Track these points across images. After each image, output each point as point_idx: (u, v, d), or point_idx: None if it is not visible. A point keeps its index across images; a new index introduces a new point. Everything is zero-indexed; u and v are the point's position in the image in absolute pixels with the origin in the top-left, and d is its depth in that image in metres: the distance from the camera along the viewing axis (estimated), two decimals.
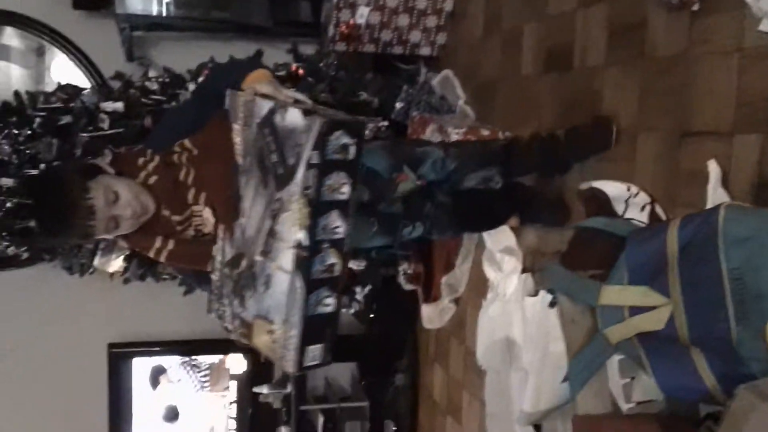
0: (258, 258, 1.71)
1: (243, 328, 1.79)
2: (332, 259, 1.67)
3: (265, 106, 1.68)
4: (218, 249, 1.87)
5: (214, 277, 1.89)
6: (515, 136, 2.82)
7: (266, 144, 1.66)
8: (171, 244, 2.03)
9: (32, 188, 2.10)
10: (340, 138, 1.58)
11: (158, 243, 2.03)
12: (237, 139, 1.77)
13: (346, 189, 1.64)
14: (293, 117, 1.60)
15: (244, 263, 1.77)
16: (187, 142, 1.98)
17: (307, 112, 1.59)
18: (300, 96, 1.85)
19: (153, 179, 2.00)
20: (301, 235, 1.60)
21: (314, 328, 1.67)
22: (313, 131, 1.55)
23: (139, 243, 2.09)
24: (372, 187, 2.17)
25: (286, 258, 1.64)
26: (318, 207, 1.60)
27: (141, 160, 2.02)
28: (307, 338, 1.65)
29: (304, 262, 1.62)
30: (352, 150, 1.61)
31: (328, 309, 1.69)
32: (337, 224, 1.67)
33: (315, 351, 1.69)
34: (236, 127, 1.77)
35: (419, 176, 2.27)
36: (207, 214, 1.97)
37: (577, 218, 2.35)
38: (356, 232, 1.99)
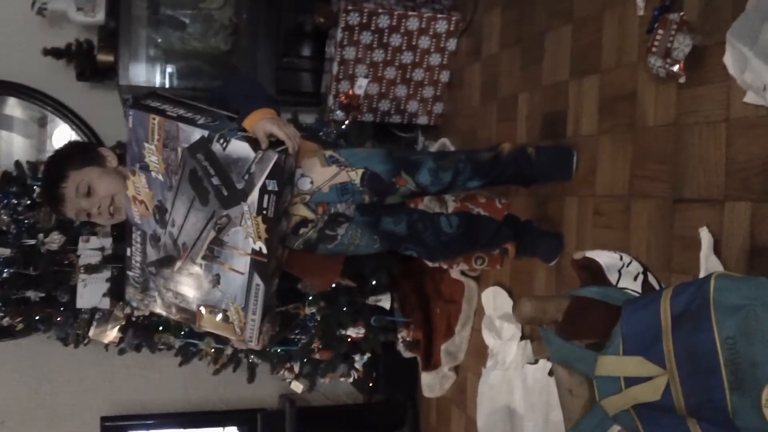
0: (200, 261, 1.97)
1: (183, 314, 2.09)
2: (278, 252, 1.99)
3: (195, 133, 1.81)
4: (137, 251, 2.05)
5: (133, 273, 2.09)
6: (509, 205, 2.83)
7: (202, 168, 1.84)
8: None
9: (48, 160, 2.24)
10: (287, 161, 1.83)
11: None
12: (153, 158, 1.88)
13: (287, 198, 1.95)
14: (240, 148, 1.79)
15: (178, 264, 2.00)
16: None
17: (254, 145, 1.79)
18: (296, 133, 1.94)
19: None
20: (259, 245, 1.89)
21: (269, 308, 2.05)
22: (270, 163, 1.78)
23: None
24: (374, 191, 2.22)
25: (239, 262, 1.93)
26: (274, 222, 1.86)
27: None
28: (264, 318, 2.02)
29: (263, 265, 1.91)
30: (294, 168, 1.92)
31: (273, 289, 2.04)
32: (283, 226, 2.00)
33: (267, 324, 2.07)
34: (150, 146, 1.86)
35: (417, 184, 2.29)
36: None
37: (572, 286, 2.35)
38: (361, 245, 2.26)
